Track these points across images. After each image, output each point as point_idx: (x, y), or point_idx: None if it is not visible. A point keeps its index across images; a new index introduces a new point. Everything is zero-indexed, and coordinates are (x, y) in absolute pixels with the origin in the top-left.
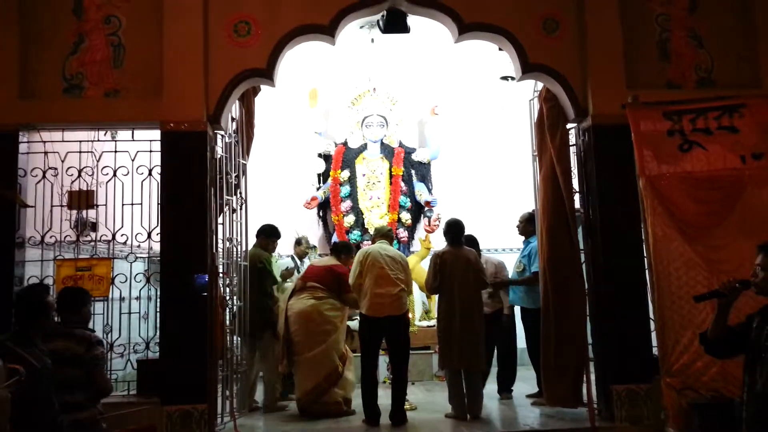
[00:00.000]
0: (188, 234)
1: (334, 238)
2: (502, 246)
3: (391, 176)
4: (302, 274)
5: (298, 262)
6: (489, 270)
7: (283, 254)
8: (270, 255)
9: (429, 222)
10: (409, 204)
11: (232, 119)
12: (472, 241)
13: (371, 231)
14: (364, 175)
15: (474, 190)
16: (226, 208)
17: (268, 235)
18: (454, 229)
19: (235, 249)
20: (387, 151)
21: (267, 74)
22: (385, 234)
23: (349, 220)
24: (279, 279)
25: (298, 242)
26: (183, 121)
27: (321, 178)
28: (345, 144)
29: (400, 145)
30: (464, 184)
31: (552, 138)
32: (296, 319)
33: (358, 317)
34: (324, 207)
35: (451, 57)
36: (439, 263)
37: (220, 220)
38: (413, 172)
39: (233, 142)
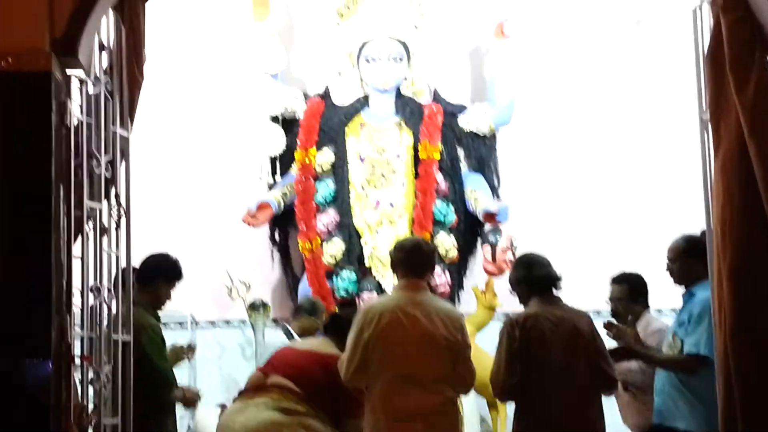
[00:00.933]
0: (16, 277)
1: (303, 290)
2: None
3: (417, 161)
4: (266, 362)
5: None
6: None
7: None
8: (158, 321)
9: (494, 254)
10: (453, 218)
11: (102, 48)
12: (638, 287)
13: (377, 270)
14: (362, 158)
15: (577, 190)
16: (88, 226)
17: (155, 279)
18: (540, 266)
19: (105, 307)
20: (409, 110)
21: None
22: (417, 262)
23: (334, 249)
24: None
25: (307, 310)
26: (2, 51)
27: (277, 164)
28: (325, 96)
29: (436, 98)
30: (559, 179)
31: (741, 86)
32: None
33: None
34: (282, 223)
35: None
36: (519, 339)
37: (77, 248)
38: (461, 153)
39: (103, 93)
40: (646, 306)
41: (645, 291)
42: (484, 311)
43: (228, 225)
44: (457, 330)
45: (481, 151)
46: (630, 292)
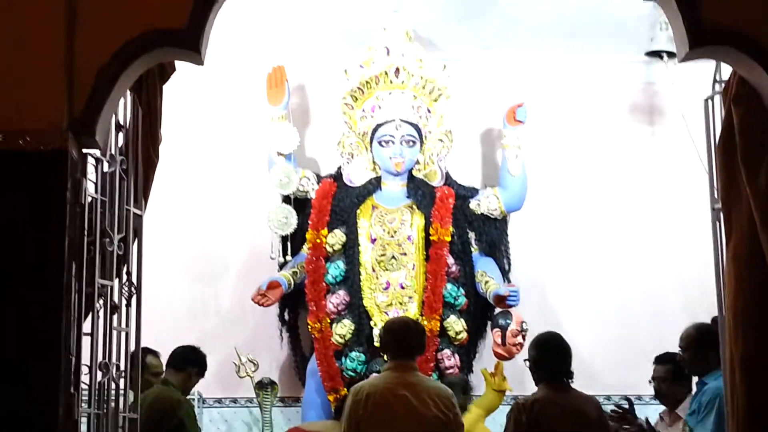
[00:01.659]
0: (24, 354)
1: (311, 369)
2: (645, 391)
3: (428, 244)
4: None
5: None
6: None
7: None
8: (190, 402)
9: (503, 337)
10: (463, 300)
11: (118, 128)
12: (682, 367)
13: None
14: (373, 240)
15: (589, 276)
16: (99, 303)
17: (193, 364)
18: (554, 353)
19: (114, 384)
20: (421, 192)
21: (187, 39)
22: (405, 344)
23: (343, 329)
24: None
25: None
26: (21, 129)
27: (288, 243)
28: (337, 177)
29: (447, 181)
30: (570, 264)
31: (752, 176)
32: None
33: None
34: (292, 302)
35: (548, 15)
36: (526, 424)
37: (86, 326)
38: (472, 236)
39: (118, 172)
40: (690, 389)
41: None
42: (494, 394)
43: (238, 303)
44: (448, 408)
45: (492, 235)
46: (674, 372)
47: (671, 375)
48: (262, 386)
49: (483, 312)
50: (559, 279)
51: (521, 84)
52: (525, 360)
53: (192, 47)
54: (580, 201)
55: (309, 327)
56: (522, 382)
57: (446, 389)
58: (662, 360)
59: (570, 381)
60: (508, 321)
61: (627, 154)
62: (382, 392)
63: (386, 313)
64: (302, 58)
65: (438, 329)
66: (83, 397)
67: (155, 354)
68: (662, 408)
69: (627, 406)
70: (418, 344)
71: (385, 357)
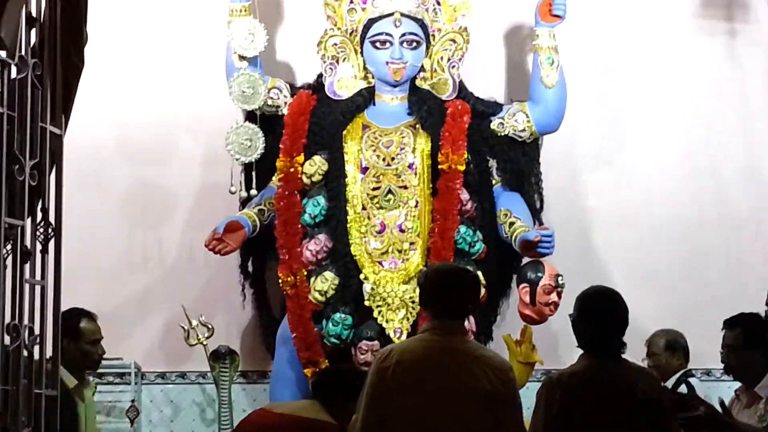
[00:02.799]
0: None
1: (283, 335)
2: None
3: (436, 174)
4: (236, 429)
5: None
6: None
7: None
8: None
9: (532, 294)
10: (481, 247)
11: (30, 22)
12: (755, 331)
13: (381, 312)
14: (364, 169)
15: (644, 214)
16: (6, 249)
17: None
18: (600, 312)
19: (28, 353)
20: (426, 108)
21: None
22: (455, 297)
23: (324, 284)
24: None
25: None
26: None
27: (253, 174)
28: (318, 88)
29: (461, 94)
30: (618, 199)
31: None
32: None
33: None
34: (258, 250)
35: None
36: (560, 404)
37: None
38: (493, 163)
39: (30, 79)
40: None
41: (765, 338)
42: (519, 368)
43: (187, 251)
44: (504, 385)
45: (519, 163)
46: (746, 338)
47: (742, 342)
48: (219, 357)
49: (506, 263)
50: (604, 220)
51: None
52: (570, 314)
53: None
54: (632, 120)
55: (280, 281)
56: (556, 353)
57: (504, 361)
58: (732, 323)
59: (621, 351)
60: (539, 274)
61: (696, 59)
62: (418, 360)
63: (380, 263)
64: None
65: None
66: None
67: (91, 317)
68: (738, 385)
69: (687, 390)
70: (470, 298)
71: (426, 314)
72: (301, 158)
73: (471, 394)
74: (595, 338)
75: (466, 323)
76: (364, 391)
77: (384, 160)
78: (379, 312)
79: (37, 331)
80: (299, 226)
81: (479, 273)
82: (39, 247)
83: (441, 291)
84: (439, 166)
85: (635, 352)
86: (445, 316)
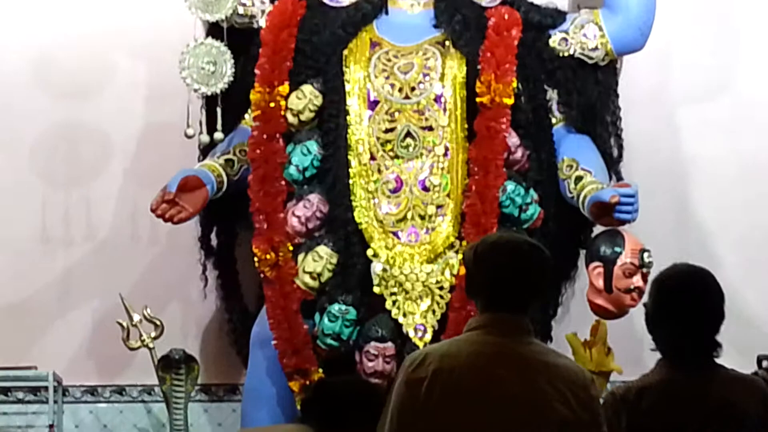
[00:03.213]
0: None
1: (259, 334)
2: None
3: (473, 110)
4: None
5: None
6: None
7: None
8: None
9: (608, 277)
10: (536, 212)
11: None
12: None
13: (397, 303)
14: (375, 102)
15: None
16: None
17: None
18: (684, 304)
19: None
20: (460, 18)
21: None
22: (517, 281)
23: (318, 264)
24: None
25: None
26: None
27: (218, 110)
28: None
29: None
30: (729, 146)
31: None
32: None
33: None
34: (224, 216)
35: None
36: (627, 427)
37: None
38: (553, 95)
39: None
40: None
41: None
42: (595, 378)
43: (128, 219)
44: (586, 408)
45: (590, 94)
46: None
47: None
48: (171, 365)
49: (571, 233)
50: (708, 173)
51: None
52: (644, 304)
53: None
54: (749, 33)
55: (256, 260)
56: (639, 358)
57: (582, 371)
58: None
59: (714, 355)
60: (617, 249)
61: None
62: (463, 368)
63: (395, 234)
64: None
65: None
66: None
67: None
68: None
69: None
70: (539, 286)
71: (476, 305)
72: (285, 88)
73: (538, 419)
74: (677, 339)
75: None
76: (387, 413)
77: (401, 90)
78: (394, 302)
79: None
80: (282, 182)
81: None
82: None
83: (498, 274)
84: (478, 99)
85: (742, 357)
86: (503, 308)
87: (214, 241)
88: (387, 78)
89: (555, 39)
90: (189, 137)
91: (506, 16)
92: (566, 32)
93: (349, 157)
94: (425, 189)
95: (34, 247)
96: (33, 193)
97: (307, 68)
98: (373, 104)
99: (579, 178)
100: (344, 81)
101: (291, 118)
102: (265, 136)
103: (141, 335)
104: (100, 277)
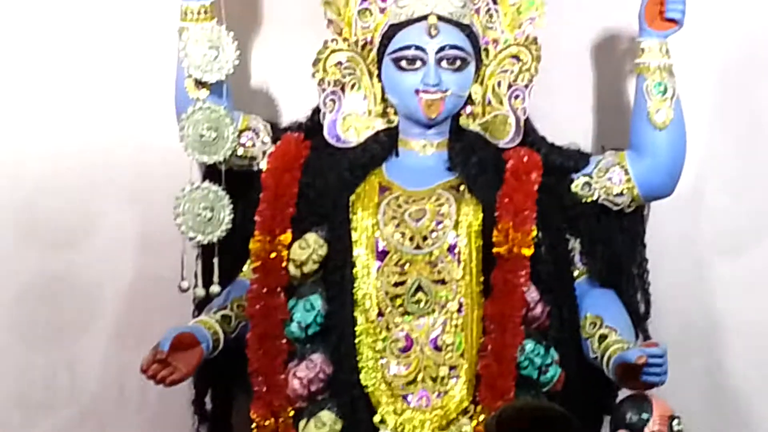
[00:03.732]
0: None
1: None
2: None
3: (490, 261)
4: None
5: None
6: None
7: None
8: None
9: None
10: (557, 373)
11: None
12: None
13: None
14: (384, 252)
15: None
16: None
17: None
18: None
19: None
20: (476, 160)
21: None
22: None
23: (321, 430)
24: None
25: None
26: None
27: (215, 261)
28: (311, 129)
29: (529, 138)
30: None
31: None
32: None
33: None
34: (221, 377)
35: None
36: None
37: None
38: (576, 245)
39: None
40: None
41: None
42: None
43: (112, 377)
44: None
45: (616, 244)
46: None
47: None
48: None
49: (595, 397)
50: (746, 333)
51: None
52: None
53: None
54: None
55: (253, 426)
56: None
57: None
58: None
59: None
60: (645, 416)
61: None
62: None
63: (405, 398)
64: None
65: None
66: None
67: None
68: None
69: None
70: None
71: None
72: (287, 237)
73: None
74: None
75: None
76: None
77: (412, 240)
78: None
79: None
80: (284, 341)
81: None
82: None
83: None
84: (495, 250)
85: None
86: None
87: (208, 405)
88: (397, 226)
89: (577, 183)
90: (183, 291)
91: (525, 159)
92: (590, 176)
93: (355, 313)
94: (437, 348)
95: (11, 413)
96: (13, 353)
97: (311, 215)
98: (382, 255)
99: (603, 337)
100: (351, 229)
101: (293, 270)
102: (265, 290)
103: None
104: None
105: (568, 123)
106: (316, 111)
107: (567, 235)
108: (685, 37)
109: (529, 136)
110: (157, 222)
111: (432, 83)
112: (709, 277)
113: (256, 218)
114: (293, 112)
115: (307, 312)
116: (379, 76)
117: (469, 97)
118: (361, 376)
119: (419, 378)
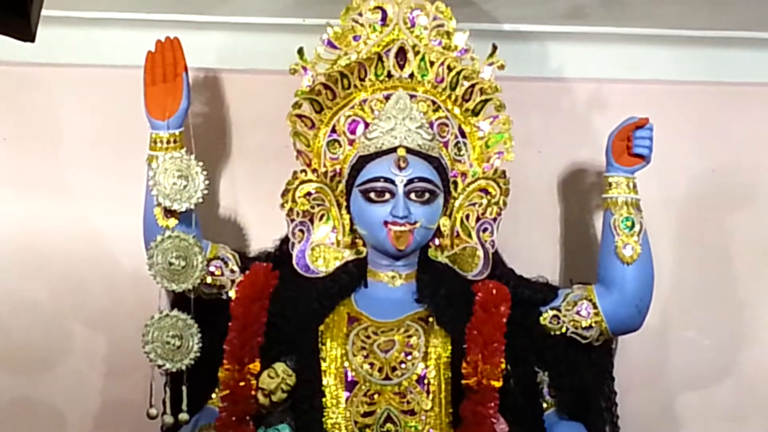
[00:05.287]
0: None
1: None
2: None
3: (459, 394)
4: None
5: None
6: None
7: None
8: None
9: None
10: None
11: None
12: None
13: None
14: (353, 383)
15: None
16: None
17: None
18: None
19: None
20: (444, 292)
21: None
22: None
23: None
24: None
25: None
26: None
27: (184, 388)
28: (280, 259)
29: (497, 271)
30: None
31: None
32: None
33: None
34: None
35: None
36: None
37: None
38: (544, 378)
39: None
40: None
41: None
42: None
43: None
44: None
45: (584, 377)
46: None
47: None
48: None
49: None
50: None
51: (641, 78)
52: None
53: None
54: (754, 315)
55: None
56: None
57: None
58: None
59: None
60: None
61: None
62: None
63: None
64: (214, 28)
65: None
66: None
67: None
68: None
69: None
70: None
71: None
72: (256, 366)
73: None
74: None
75: None
76: None
77: (381, 370)
78: None
79: None
80: None
81: None
82: None
83: None
84: (464, 382)
85: None
86: None
87: None
88: (366, 357)
89: (546, 316)
90: (152, 418)
91: (494, 291)
92: (558, 309)
93: None
94: None
95: None
96: None
97: (280, 344)
98: (351, 385)
99: None
100: (320, 359)
101: (262, 399)
102: (233, 419)
103: None
104: None
105: (536, 255)
106: (285, 241)
107: (536, 367)
108: (648, 171)
109: (498, 268)
110: (125, 348)
111: (401, 215)
112: (676, 409)
113: (225, 347)
114: (262, 241)
115: None
116: (347, 207)
117: (438, 228)
118: None
119: None
